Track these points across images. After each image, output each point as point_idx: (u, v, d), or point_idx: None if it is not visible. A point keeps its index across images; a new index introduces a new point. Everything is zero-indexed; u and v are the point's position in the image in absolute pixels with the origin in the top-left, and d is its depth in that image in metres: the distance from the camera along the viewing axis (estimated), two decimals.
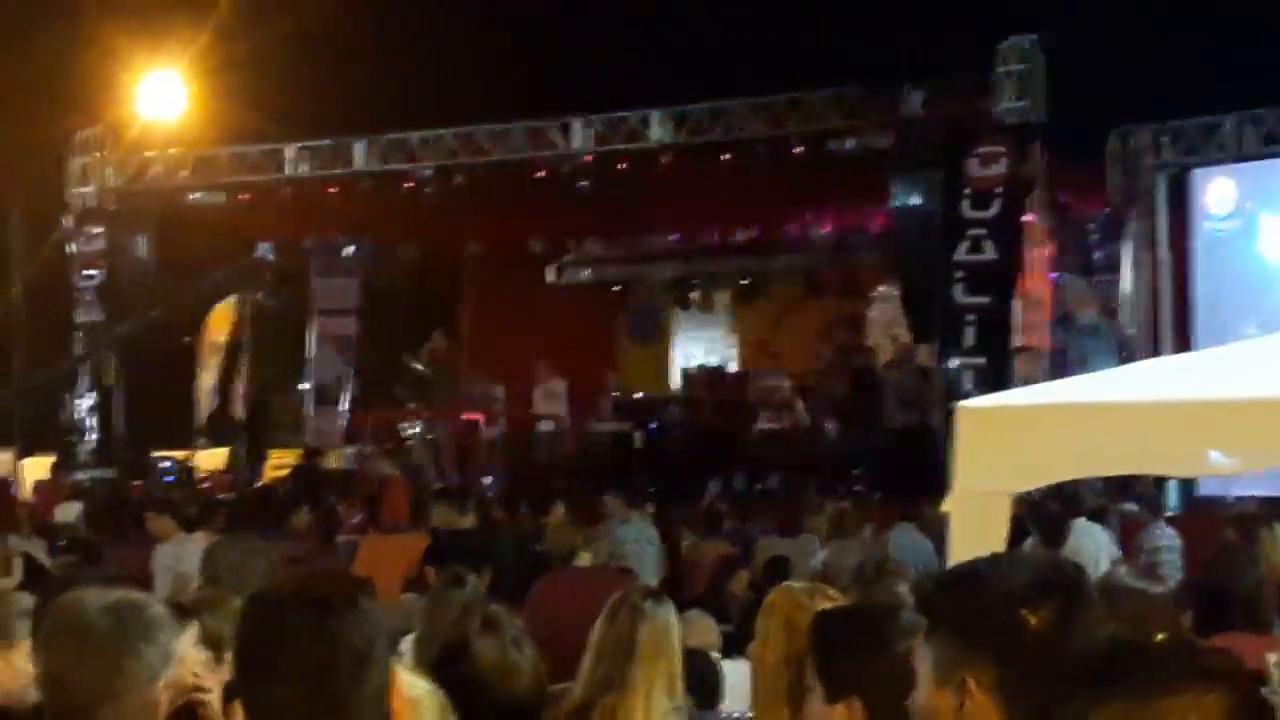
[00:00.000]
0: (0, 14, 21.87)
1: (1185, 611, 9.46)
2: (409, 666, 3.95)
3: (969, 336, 16.52)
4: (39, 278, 22.59)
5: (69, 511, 15.41)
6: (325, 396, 25.08)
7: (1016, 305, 17.12)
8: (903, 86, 18.38)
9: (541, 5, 22.45)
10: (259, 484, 21.00)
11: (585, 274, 27.11)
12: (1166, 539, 13.12)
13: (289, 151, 21.79)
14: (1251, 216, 18.95)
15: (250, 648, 2.50)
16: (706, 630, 7.77)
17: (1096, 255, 20.46)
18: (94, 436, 22.30)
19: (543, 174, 20.31)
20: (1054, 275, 19.64)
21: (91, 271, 22.55)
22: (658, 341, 27.08)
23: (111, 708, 3.15)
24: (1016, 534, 7.05)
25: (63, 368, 22.67)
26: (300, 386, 24.82)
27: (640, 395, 23.58)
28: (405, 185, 20.95)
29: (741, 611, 10.25)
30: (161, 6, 21.88)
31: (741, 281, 25.95)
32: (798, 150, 18.69)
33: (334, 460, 21.39)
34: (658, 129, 19.73)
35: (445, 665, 3.73)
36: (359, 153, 21.45)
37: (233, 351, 24.44)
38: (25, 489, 20.05)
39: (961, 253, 16.58)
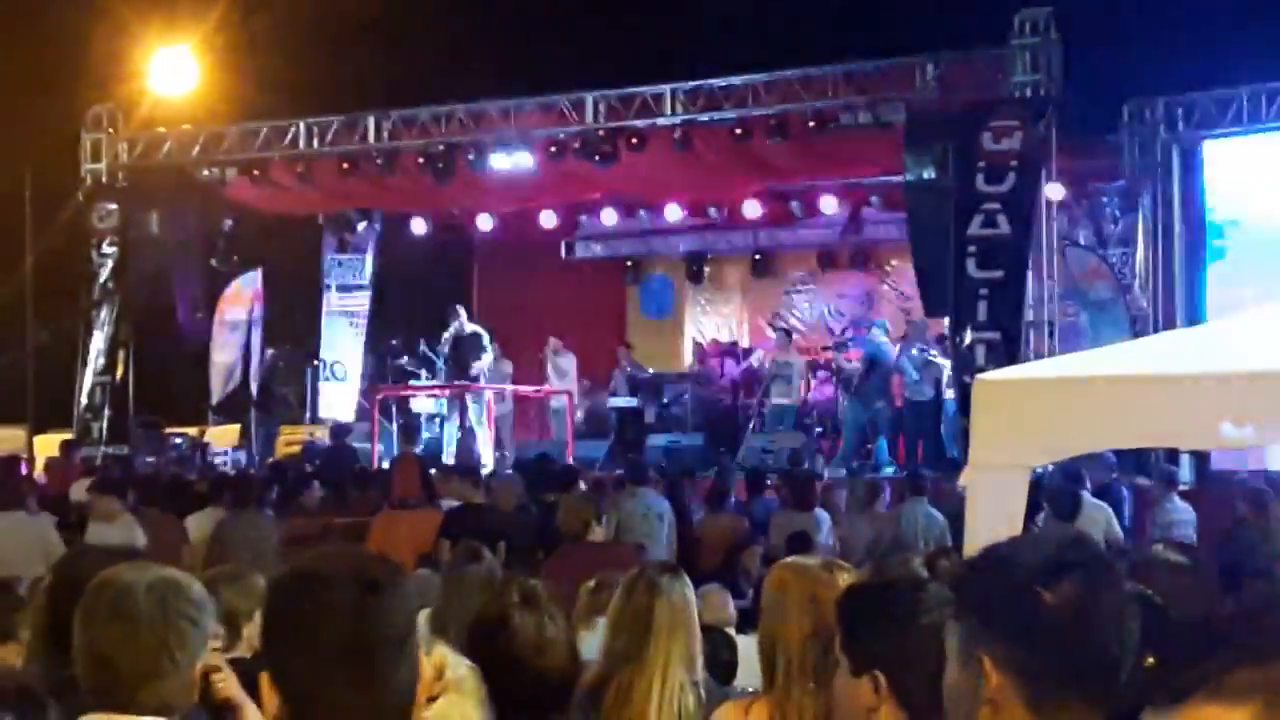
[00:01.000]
0: None
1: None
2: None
3: (982, 311, 16.47)
4: (52, 253, 22.61)
5: (83, 489, 15.43)
6: (337, 373, 25.12)
7: (1030, 279, 17.07)
8: (916, 60, 18.34)
9: None
10: (271, 460, 21.04)
11: (597, 249, 27.09)
12: (1180, 513, 13.13)
13: (300, 127, 21.77)
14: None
15: (287, 622, 2.43)
16: (721, 605, 7.78)
17: (1110, 228, 20.38)
18: (106, 413, 22.32)
19: (555, 149, 20.29)
20: (1068, 249, 19.60)
21: (104, 247, 22.55)
22: (670, 317, 27.07)
23: (154, 687, 3.17)
24: (1028, 509, 7.05)
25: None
26: (313, 363, 24.83)
27: (652, 371, 23.58)
28: (417, 160, 20.92)
29: (757, 587, 10.27)
30: None
31: (754, 256, 25.93)
32: (811, 125, 18.65)
33: (346, 437, 21.38)
34: (670, 104, 19.69)
35: (483, 640, 3.72)
36: (370, 128, 21.43)
37: (245, 328, 24.44)
38: (37, 466, 20.08)
39: (975, 227, 16.52)
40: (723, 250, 26.49)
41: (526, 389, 22.76)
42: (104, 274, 22.56)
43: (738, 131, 19.17)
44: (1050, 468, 12.69)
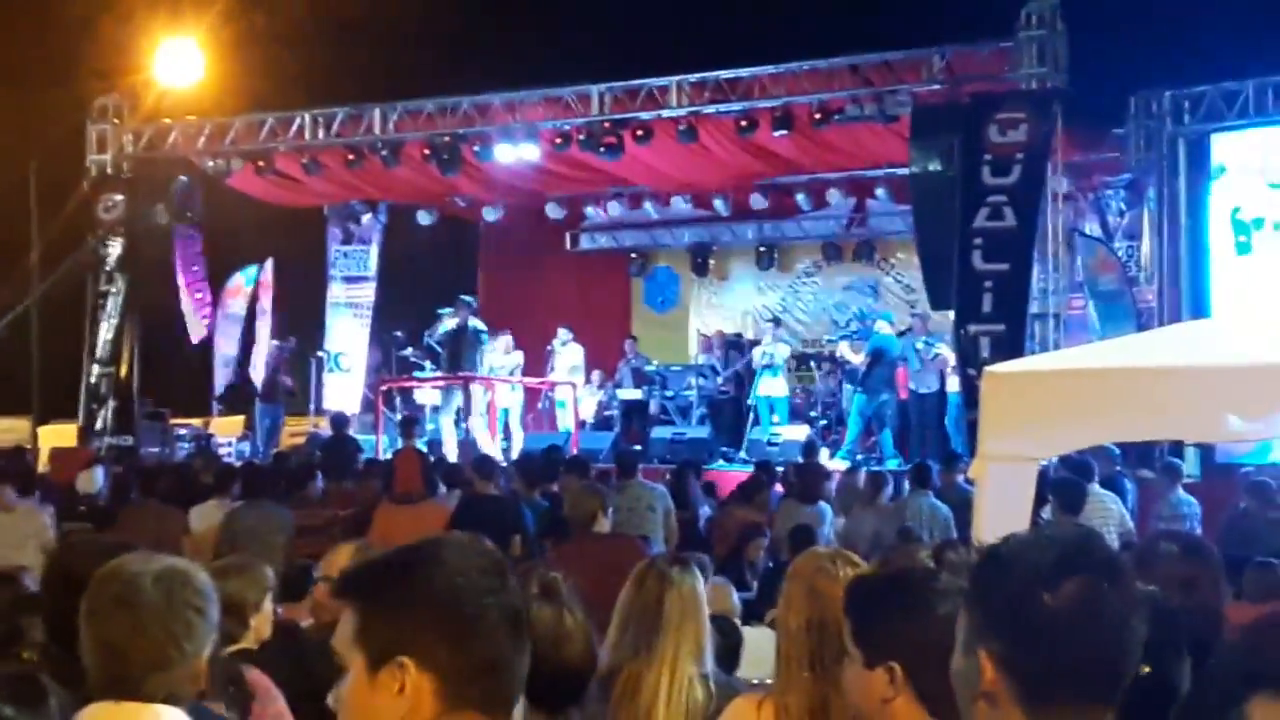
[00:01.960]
0: None
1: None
2: None
3: (987, 303, 16.46)
4: (58, 244, 22.62)
5: (89, 480, 15.46)
6: (342, 364, 25.14)
7: (1035, 272, 17.06)
8: (922, 52, 18.32)
9: None
10: (275, 451, 21.05)
11: (602, 241, 27.10)
12: (1184, 506, 13.14)
13: (305, 118, 21.77)
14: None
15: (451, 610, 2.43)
16: (724, 597, 7.79)
17: (1116, 221, 20.38)
18: (111, 404, 22.35)
19: (560, 141, 20.30)
20: (1077, 238, 19.60)
21: (110, 238, 22.57)
22: (675, 309, 27.07)
23: (162, 677, 3.19)
24: (1036, 501, 7.05)
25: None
26: (317, 354, 24.85)
27: (657, 363, 23.58)
28: (422, 152, 20.92)
29: (762, 578, 10.28)
30: None
31: (759, 248, 25.93)
32: (816, 117, 18.64)
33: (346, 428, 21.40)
34: (675, 96, 19.67)
35: None
36: (375, 119, 21.43)
37: (244, 322, 24.47)
38: (42, 457, 20.11)
39: (981, 219, 16.50)
40: (728, 242, 26.49)
41: (531, 380, 22.77)
42: (109, 265, 22.58)
43: (743, 123, 19.16)
44: (1058, 460, 12.73)
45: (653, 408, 22.65)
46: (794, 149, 19.79)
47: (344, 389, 24.84)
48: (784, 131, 18.86)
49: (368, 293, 25.50)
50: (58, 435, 22.43)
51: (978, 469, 5.87)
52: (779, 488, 14.84)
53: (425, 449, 17.08)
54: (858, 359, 20.61)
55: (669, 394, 22.71)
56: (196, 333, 23.89)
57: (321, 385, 24.77)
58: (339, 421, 19.84)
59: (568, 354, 23.18)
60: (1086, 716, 2.30)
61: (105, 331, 22.47)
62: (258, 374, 23.43)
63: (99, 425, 22.14)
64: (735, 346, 23.81)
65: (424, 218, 25.01)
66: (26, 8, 22.85)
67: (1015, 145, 16.55)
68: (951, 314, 17.46)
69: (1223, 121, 18.89)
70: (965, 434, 16.95)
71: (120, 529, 11.41)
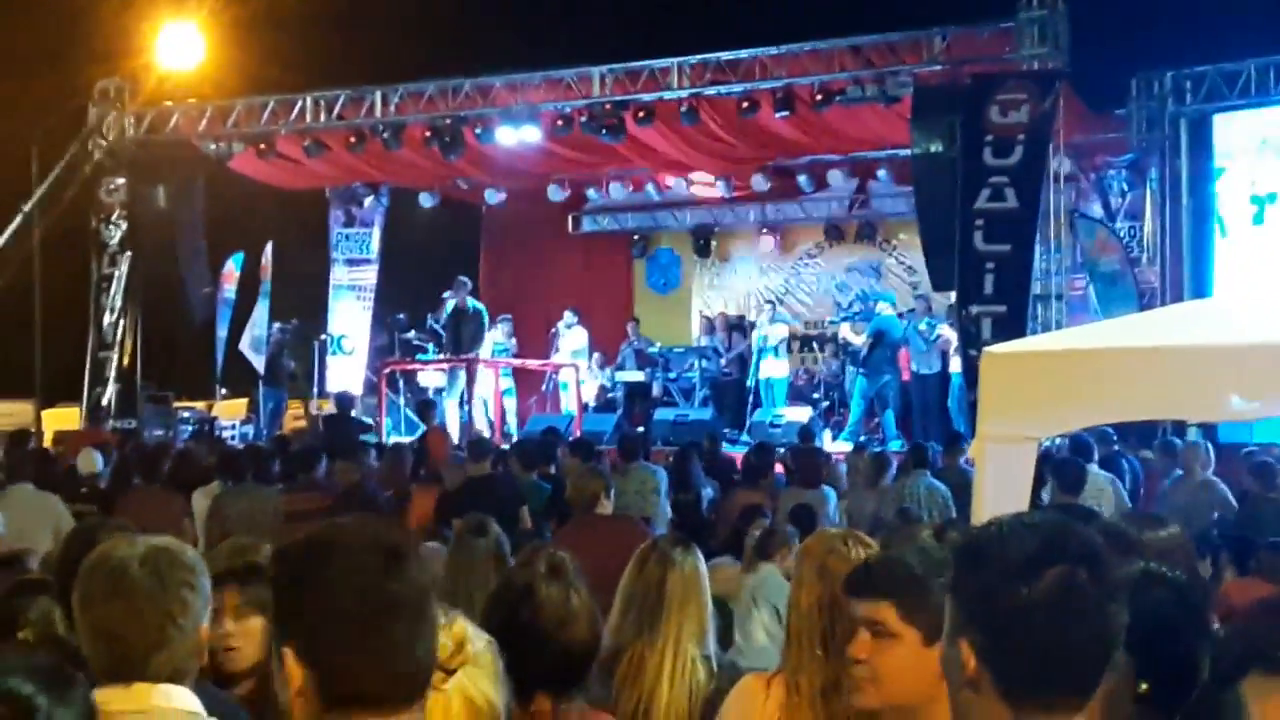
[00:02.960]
0: None
1: (1205, 559, 9.50)
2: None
3: (988, 284, 16.43)
4: (59, 227, 22.61)
5: (89, 460, 15.45)
6: (345, 347, 25.16)
7: (1037, 253, 17.05)
8: (923, 33, 18.30)
9: None
10: (278, 434, 21.06)
11: (604, 223, 27.11)
12: None
13: (307, 101, 21.76)
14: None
15: (309, 591, 2.41)
16: (730, 578, 7.80)
17: (1118, 202, 20.39)
18: (114, 388, 22.38)
19: (561, 123, 20.28)
20: (1078, 219, 19.59)
21: (111, 221, 22.58)
22: (677, 291, 27.08)
23: (163, 656, 3.21)
24: (1035, 481, 7.06)
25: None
26: (320, 337, 24.85)
27: (659, 345, 23.60)
28: (424, 134, 20.91)
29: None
30: None
31: (761, 230, 25.93)
32: (818, 98, 18.62)
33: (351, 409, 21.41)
34: (676, 77, 19.66)
35: (505, 610, 3.72)
36: (377, 102, 21.41)
37: (252, 302, 24.46)
38: (46, 440, 20.12)
39: (982, 200, 16.46)
40: (730, 224, 26.51)
41: (534, 363, 22.77)
42: (111, 248, 22.60)
43: (745, 105, 19.14)
44: (1059, 440, 12.73)
45: (655, 389, 22.67)
46: (795, 130, 19.77)
47: (346, 372, 24.86)
48: (785, 113, 18.84)
49: (370, 275, 25.53)
50: (61, 419, 22.45)
51: (977, 449, 5.88)
52: (779, 468, 14.85)
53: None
54: (859, 340, 20.62)
55: (671, 376, 22.72)
56: (199, 316, 23.89)
57: (324, 368, 24.77)
58: (345, 402, 19.84)
59: (572, 336, 23.19)
60: (1067, 705, 2.33)
61: (108, 315, 22.49)
62: (255, 358, 23.38)
63: (103, 408, 22.18)
64: (738, 328, 23.81)
65: (426, 200, 25.01)
66: None
67: (1017, 126, 16.52)
68: (953, 295, 17.46)
69: (1224, 101, 18.89)
70: (967, 415, 16.96)
71: (121, 513, 11.41)
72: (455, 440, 18.25)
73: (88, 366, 22.53)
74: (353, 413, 19.89)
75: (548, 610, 3.47)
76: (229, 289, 24.57)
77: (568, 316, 23.20)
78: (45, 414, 22.81)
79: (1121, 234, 19.84)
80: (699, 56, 19.63)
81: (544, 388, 23.47)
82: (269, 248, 24.39)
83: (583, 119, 20.04)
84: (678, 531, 8.43)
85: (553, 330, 23.19)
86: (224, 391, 24.49)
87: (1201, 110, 19.18)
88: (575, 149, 21.30)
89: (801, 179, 23.48)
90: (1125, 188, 20.33)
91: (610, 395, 23.14)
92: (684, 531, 10.41)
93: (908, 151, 18.54)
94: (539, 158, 21.95)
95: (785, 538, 8.04)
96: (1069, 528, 2.40)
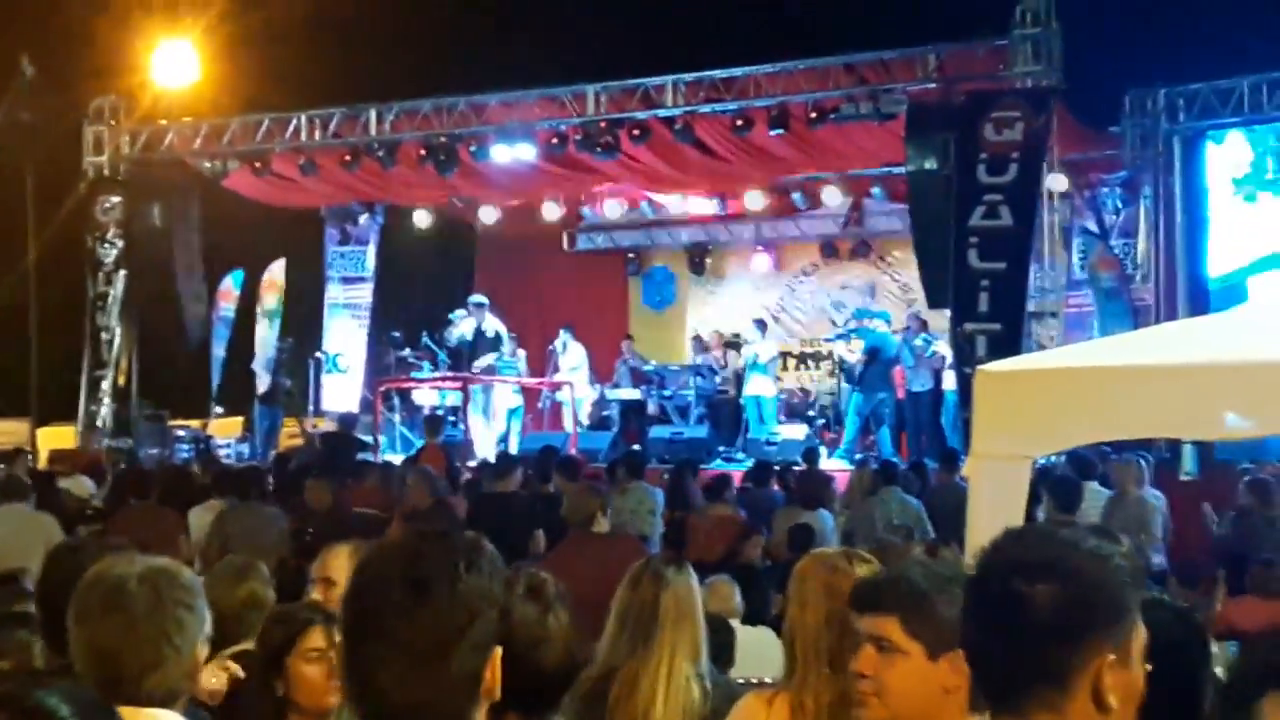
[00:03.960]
0: None
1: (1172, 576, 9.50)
2: None
3: (983, 302, 16.44)
4: (55, 246, 22.63)
5: (79, 487, 15.41)
6: (340, 365, 25.14)
7: (1032, 270, 17.06)
8: (917, 51, 18.34)
9: None
10: (274, 453, 21.04)
11: (599, 241, 27.13)
12: (1153, 499, 13.11)
13: (302, 119, 21.78)
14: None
15: (350, 621, 2.37)
16: (728, 596, 7.80)
17: (1112, 219, 20.43)
18: (110, 406, 22.37)
19: (556, 141, 20.31)
20: (1078, 235, 19.62)
21: (107, 239, 22.58)
22: (672, 308, 27.10)
23: (158, 676, 3.21)
24: (1031, 498, 7.07)
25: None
26: (315, 355, 24.84)
27: (654, 363, 23.60)
28: (419, 152, 20.92)
29: (761, 579, 10.26)
30: None
31: (756, 248, 25.96)
32: (812, 116, 18.64)
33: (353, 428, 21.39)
34: (671, 95, 19.69)
35: None
36: (372, 120, 21.43)
37: (248, 321, 24.45)
38: (41, 459, 20.09)
39: (977, 218, 16.47)
40: (725, 241, 26.54)
41: (530, 380, 22.77)
42: (107, 266, 22.60)
43: (739, 123, 19.17)
44: (1055, 458, 12.75)
45: (650, 407, 22.64)
46: (790, 148, 19.80)
47: (342, 390, 24.84)
48: (780, 131, 18.87)
49: (365, 293, 25.52)
50: (57, 437, 22.42)
51: (971, 467, 5.89)
52: (776, 486, 14.86)
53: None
54: (854, 358, 20.63)
55: (666, 393, 22.70)
56: (194, 334, 23.88)
57: (319, 386, 24.76)
58: (347, 421, 19.82)
59: (571, 353, 23.19)
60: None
61: (104, 333, 22.49)
62: (262, 378, 23.38)
63: (98, 427, 22.18)
64: (734, 346, 23.81)
65: (421, 218, 25.04)
66: (24, 10, 22.84)
67: (1011, 144, 16.54)
68: (949, 313, 17.48)
69: (1217, 118, 18.94)
70: (961, 433, 16.97)
71: (117, 531, 11.39)
72: (478, 456, 18.31)
73: (83, 385, 22.55)
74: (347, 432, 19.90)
75: (521, 631, 3.47)
76: (226, 307, 24.56)
77: (563, 334, 23.19)
78: (40, 432, 22.78)
79: (1116, 251, 19.87)
80: (693, 75, 19.67)
81: (539, 405, 23.44)
82: (277, 265, 24.41)
83: (578, 137, 20.07)
84: (669, 549, 8.44)
85: (550, 348, 23.18)
86: (219, 410, 24.46)
87: (1195, 127, 19.23)
88: (570, 167, 21.32)
89: (796, 197, 23.49)
90: (1119, 205, 20.37)
91: (604, 413, 23.12)
92: (673, 548, 10.42)
93: (902, 169, 18.56)
94: (534, 175, 21.97)
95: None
96: (1049, 561, 2.36)
